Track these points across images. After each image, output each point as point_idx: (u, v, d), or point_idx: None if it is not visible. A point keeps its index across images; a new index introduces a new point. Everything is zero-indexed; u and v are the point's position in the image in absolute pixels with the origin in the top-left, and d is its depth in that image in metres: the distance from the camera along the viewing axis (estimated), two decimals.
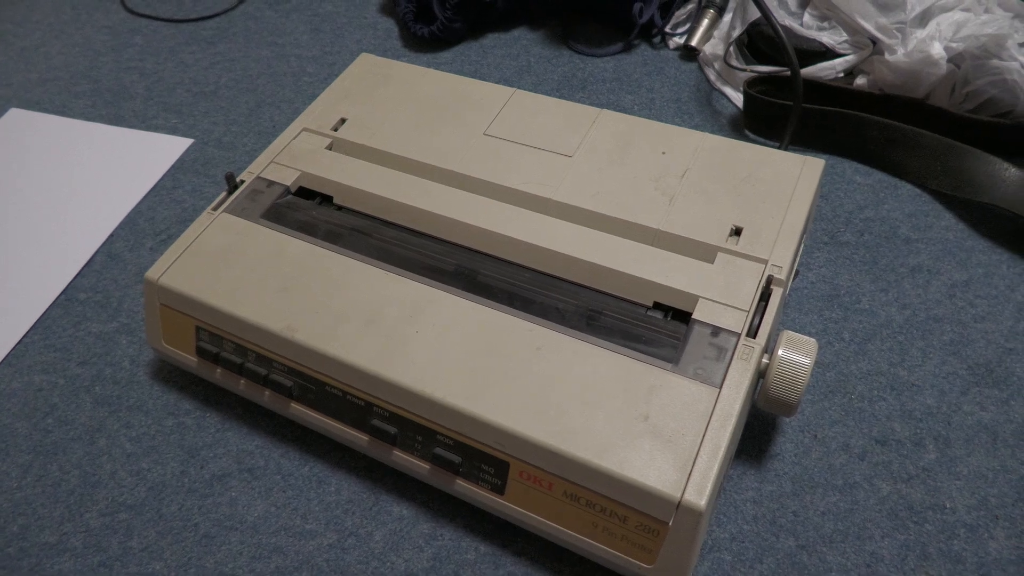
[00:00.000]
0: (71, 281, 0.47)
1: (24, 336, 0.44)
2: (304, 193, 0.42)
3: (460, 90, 0.46)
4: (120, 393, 0.41)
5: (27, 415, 0.41)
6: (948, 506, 0.34)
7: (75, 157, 0.55)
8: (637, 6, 0.57)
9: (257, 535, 0.35)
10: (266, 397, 0.37)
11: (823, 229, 0.46)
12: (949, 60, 0.46)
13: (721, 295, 0.35)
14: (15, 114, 0.59)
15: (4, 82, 0.63)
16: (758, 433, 0.37)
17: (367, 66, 0.49)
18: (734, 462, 0.36)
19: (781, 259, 0.36)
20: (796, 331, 0.41)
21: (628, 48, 0.60)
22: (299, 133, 0.45)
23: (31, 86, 0.62)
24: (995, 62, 0.45)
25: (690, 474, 0.29)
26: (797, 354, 0.33)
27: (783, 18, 0.51)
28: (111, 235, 0.50)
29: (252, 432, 0.39)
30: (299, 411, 0.36)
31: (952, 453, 0.36)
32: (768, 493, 0.35)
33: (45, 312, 0.46)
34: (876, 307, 0.42)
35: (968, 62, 0.46)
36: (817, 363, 0.40)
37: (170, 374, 0.42)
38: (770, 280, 0.35)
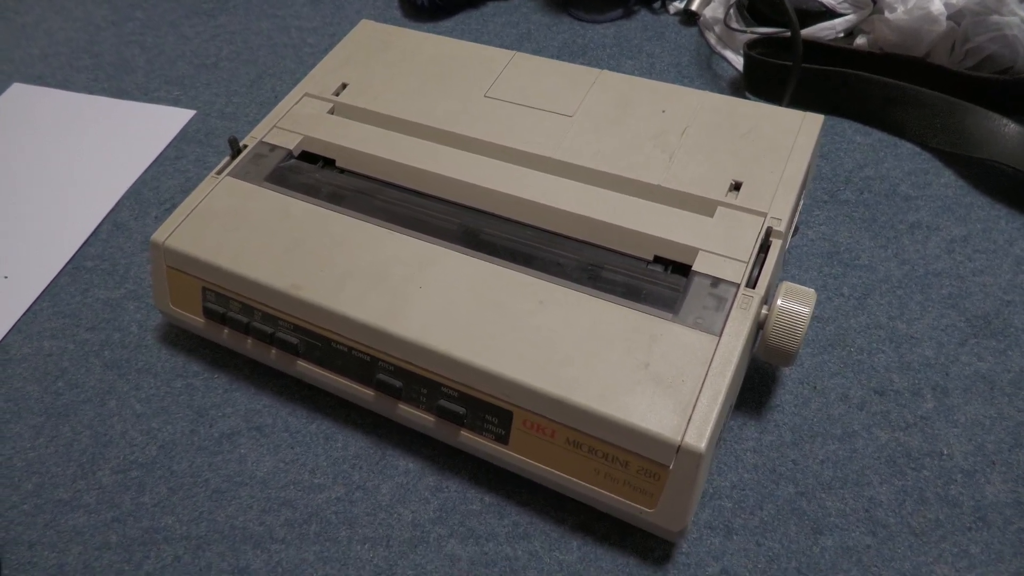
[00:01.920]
0: (78, 250, 0.48)
1: (33, 303, 0.45)
2: (307, 157, 0.43)
3: (460, 54, 0.46)
4: (129, 356, 0.42)
5: (38, 379, 0.41)
6: (945, 452, 0.35)
7: (79, 130, 0.56)
8: None
9: (267, 489, 0.36)
10: (273, 356, 0.38)
11: (823, 188, 0.46)
12: (949, 17, 0.46)
13: (721, 247, 0.35)
14: (18, 89, 0.60)
15: (6, 58, 0.63)
16: (758, 385, 0.38)
17: (367, 32, 0.49)
18: (735, 413, 0.37)
19: (780, 211, 0.36)
20: None
21: (628, 14, 0.60)
22: (301, 98, 0.45)
23: (33, 61, 0.62)
24: (995, 18, 0.45)
25: (690, 418, 0.30)
26: (796, 303, 0.33)
27: None
28: (116, 204, 0.50)
29: (260, 392, 0.40)
30: (305, 368, 0.37)
31: (950, 402, 0.37)
32: (768, 443, 0.36)
33: (53, 280, 0.46)
34: (875, 263, 0.42)
35: (968, 19, 0.46)
36: (817, 318, 0.40)
37: (178, 337, 0.43)
38: (769, 232, 0.35)
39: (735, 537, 0.33)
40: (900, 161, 0.47)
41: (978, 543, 0.32)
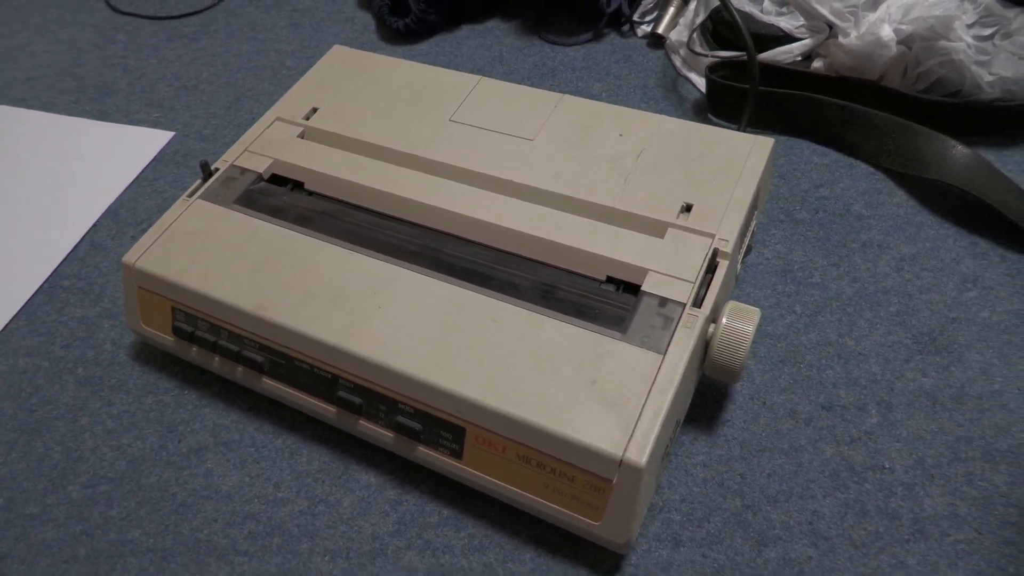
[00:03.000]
0: (55, 269, 0.49)
1: (10, 322, 0.46)
2: (276, 180, 0.44)
3: (428, 79, 0.48)
4: (102, 374, 0.43)
5: (12, 396, 0.42)
6: (887, 466, 0.36)
7: (60, 151, 0.57)
8: None
9: (231, 503, 0.37)
10: (239, 373, 0.39)
11: (779, 208, 0.48)
12: (900, 42, 0.48)
13: (669, 268, 0.36)
14: (1, 111, 0.61)
15: None
16: (710, 401, 0.39)
17: (340, 57, 0.50)
18: (686, 428, 0.38)
19: (728, 233, 0.37)
20: (749, 304, 0.43)
21: (598, 37, 0.62)
22: (272, 122, 0.46)
23: (17, 84, 0.64)
24: (943, 43, 0.46)
25: (632, 434, 0.31)
26: (740, 322, 0.35)
27: (743, 4, 0.53)
28: (94, 225, 0.52)
29: (228, 408, 0.41)
30: (270, 385, 0.38)
31: (893, 417, 0.38)
32: (717, 457, 0.37)
33: (30, 299, 0.47)
34: (827, 281, 0.44)
35: (918, 43, 0.47)
36: (769, 335, 0.42)
37: (150, 355, 0.44)
38: (716, 253, 0.37)
39: (682, 549, 0.34)
40: (855, 181, 0.49)
41: (915, 554, 0.33)
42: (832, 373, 0.40)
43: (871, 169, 0.49)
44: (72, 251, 0.50)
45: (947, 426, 0.37)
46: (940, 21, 0.46)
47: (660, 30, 0.59)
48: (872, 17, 0.47)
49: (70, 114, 0.60)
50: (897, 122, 0.47)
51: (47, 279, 0.48)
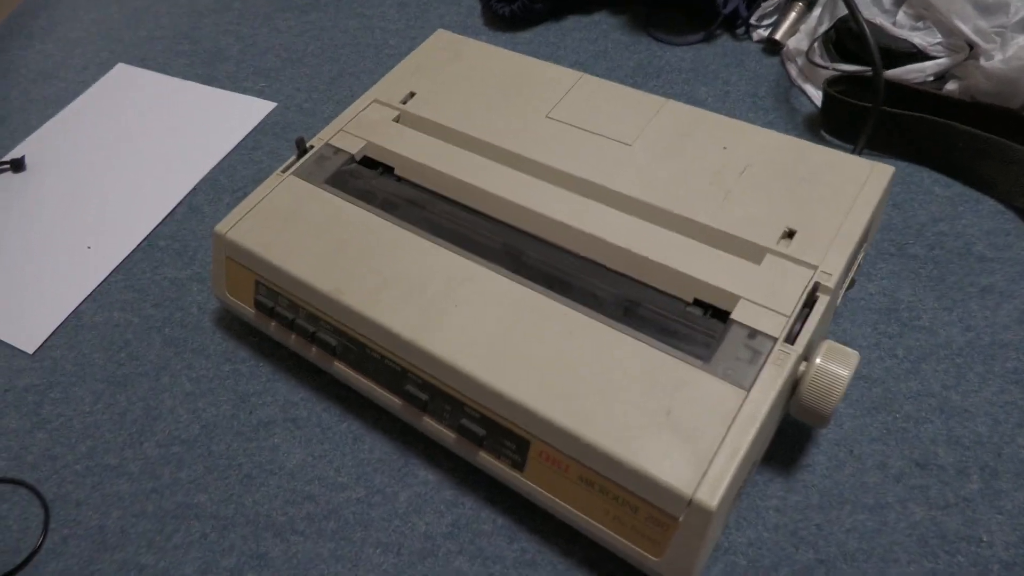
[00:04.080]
0: (154, 228, 0.51)
1: (109, 275, 0.48)
2: (368, 162, 0.44)
3: (528, 71, 0.46)
4: (186, 336, 0.44)
5: (104, 347, 0.44)
6: (985, 539, 0.33)
7: (170, 113, 0.59)
8: None
9: (293, 481, 0.38)
10: (313, 353, 0.39)
11: (890, 239, 0.44)
12: None
13: (763, 297, 0.34)
14: (121, 69, 0.64)
15: (116, 38, 0.67)
16: (791, 441, 0.37)
17: (441, 42, 0.50)
18: (762, 468, 0.36)
19: (832, 267, 0.35)
20: (846, 342, 0.40)
21: (709, 38, 0.59)
22: (369, 104, 0.46)
23: (139, 43, 0.66)
24: None
25: (705, 473, 0.29)
26: (836, 365, 0.32)
27: (875, 16, 0.49)
28: (194, 188, 0.53)
29: (299, 385, 0.41)
30: (341, 369, 0.38)
31: (998, 486, 0.34)
32: (793, 503, 0.35)
33: (128, 255, 0.49)
34: (937, 326, 0.40)
35: None
36: (864, 378, 0.39)
37: (231, 323, 0.45)
38: (816, 287, 0.34)
39: None
40: (980, 218, 0.44)
41: None
42: (931, 428, 0.36)
43: (1000, 207, 0.45)
44: (171, 213, 0.52)
45: None
46: None
47: (778, 36, 0.56)
48: (1022, 40, 0.43)
49: (183, 77, 0.62)
50: None
51: (145, 237, 0.50)
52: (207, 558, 0.35)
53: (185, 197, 0.53)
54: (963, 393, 0.37)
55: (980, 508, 0.34)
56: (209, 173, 0.54)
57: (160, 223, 0.51)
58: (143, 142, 0.57)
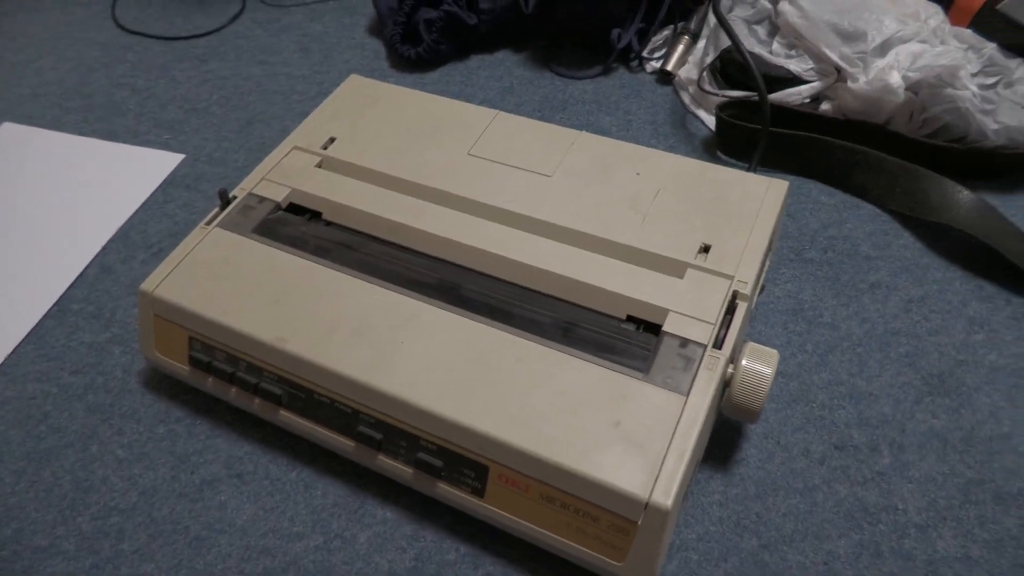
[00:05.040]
0: (64, 292, 0.48)
1: (18, 346, 0.46)
2: (294, 209, 0.44)
3: (445, 111, 0.48)
4: (112, 401, 0.43)
5: (21, 423, 0.42)
6: (900, 507, 0.37)
7: (68, 171, 0.57)
8: (615, 32, 0.60)
9: (246, 537, 0.37)
10: (256, 405, 0.39)
11: (789, 246, 0.48)
12: (907, 88, 0.49)
13: (690, 308, 0.37)
14: (8, 128, 0.61)
15: None
16: (725, 440, 0.39)
17: (355, 87, 0.51)
18: (702, 467, 0.38)
19: (746, 275, 0.38)
20: (761, 343, 0.43)
21: (607, 71, 0.62)
22: (290, 151, 0.47)
23: (24, 101, 0.63)
24: (949, 91, 0.48)
25: (657, 476, 0.31)
26: (759, 364, 0.35)
27: (753, 46, 0.54)
28: (104, 248, 0.51)
29: (241, 439, 0.41)
30: (288, 418, 0.38)
31: (905, 458, 0.38)
32: (733, 496, 0.37)
33: (39, 323, 0.47)
34: (838, 321, 0.44)
35: (925, 90, 0.49)
36: (781, 373, 0.42)
37: (161, 383, 0.43)
38: (735, 295, 0.37)
39: None
40: (862, 222, 0.50)
41: None
42: (844, 413, 0.40)
43: (878, 210, 0.50)
44: (81, 274, 0.50)
45: (958, 468, 0.38)
46: (947, 70, 0.47)
47: (669, 67, 0.60)
48: (881, 63, 0.49)
49: (78, 133, 0.60)
50: (905, 166, 0.49)
51: (56, 303, 0.48)
52: None
53: (95, 258, 0.51)
54: (867, 379, 0.42)
55: (893, 480, 0.38)
56: (119, 231, 0.52)
57: (70, 286, 0.49)
58: (42, 203, 0.54)
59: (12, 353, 0.45)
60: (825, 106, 0.52)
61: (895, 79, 0.48)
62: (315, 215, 0.44)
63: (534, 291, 0.39)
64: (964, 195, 0.46)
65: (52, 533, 0.37)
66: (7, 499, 0.39)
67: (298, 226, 0.43)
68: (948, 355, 0.42)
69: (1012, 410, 0.40)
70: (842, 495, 0.37)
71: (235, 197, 0.44)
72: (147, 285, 0.40)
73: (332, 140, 0.47)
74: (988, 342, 0.43)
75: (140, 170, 0.57)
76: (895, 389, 0.41)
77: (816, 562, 0.35)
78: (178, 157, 0.57)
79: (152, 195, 0.55)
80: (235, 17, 0.71)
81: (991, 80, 0.49)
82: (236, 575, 0.36)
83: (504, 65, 0.64)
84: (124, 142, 0.59)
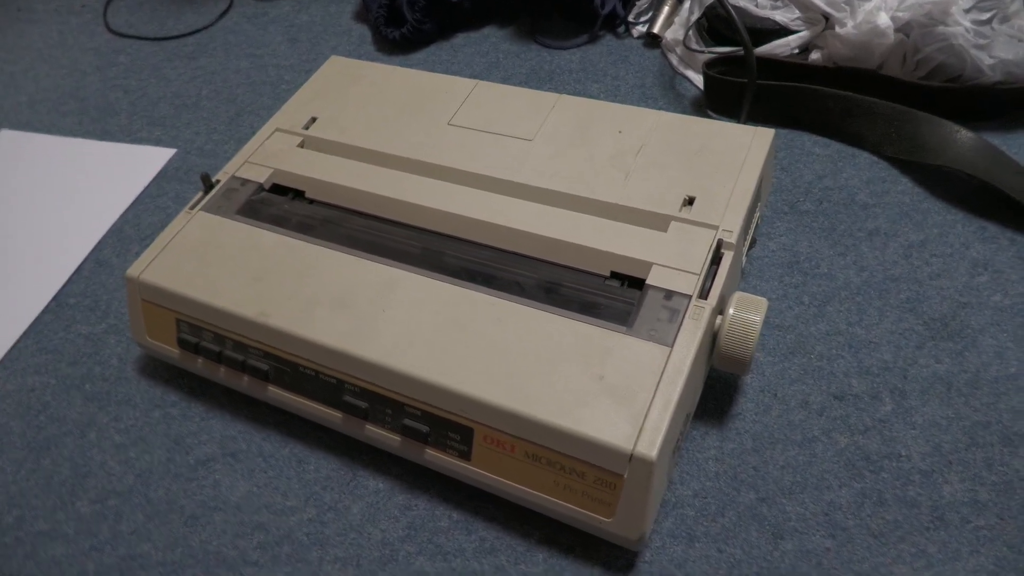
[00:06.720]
0: (62, 287, 0.49)
1: (17, 341, 0.46)
2: (278, 190, 0.44)
3: (425, 85, 0.48)
4: (109, 389, 0.43)
5: (21, 414, 0.42)
6: (904, 454, 0.35)
7: (64, 172, 0.57)
8: None
9: (240, 514, 0.37)
10: (244, 382, 0.39)
11: (783, 200, 0.47)
12: (897, 29, 0.47)
13: (674, 260, 0.36)
14: (6, 135, 0.62)
15: None
16: (720, 395, 0.39)
17: (336, 68, 0.50)
18: (697, 423, 0.38)
19: (732, 224, 0.37)
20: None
21: (593, 40, 0.62)
22: (272, 133, 0.47)
23: (21, 108, 0.64)
24: (941, 28, 0.46)
25: (642, 427, 0.30)
26: (748, 312, 0.34)
27: (738, 0, 0.53)
28: (99, 243, 0.52)
29: (234, 419, 0.41)
30: (276, 394, 0.38)
31: (908, 404, 0.37)
32: (729, 451, 0.37)
33: (37, 317, 0.47)
34: (835, 271, 0.43)
35: (916, 30, 0.47)
36: (777, 326, 0.41)
37: (156, 369, 0.44)
38: (720, 244, 0.36)
39: (697, 544, 0.34)
40: (858, 171, 0.48)
41: (936, 542, 0.33)
42: (843, 363, 0.39)
43: (874, 158, 0.49)
44: (77, 269, 0.50)
45: (963, 411, 0.37)
46: (937, 7, 0.46)
47: (656, 30, 0.59)
48: (868, 6, 0.47)
49: (73, 135, 0.61)
50: (899, 109, 0.47)
51: (53, 297, 0.48)
52: None
53: (91, 253, 0.51)
54: (866, 327, 0.40)
55: (895, 427, 0.36)
56: (113, 226, 0.53)
57: (67, 282, 0.49)
58: (39, 204, 0.55)
59: (12, 347, 0.46)
60: (815, 55, 0.51)
61: (883, 20, 0.46)
62: (298, 194, 0.44)
63: (516, 254, 0.39)
64: (962, 134, 0.45)
65: (52, 518, 0.38)
66: (8, 487, 0.39)
67: (280, 205, 0.43)
68: (951, 298, 0.41)
69: (1019, 350, 0.38)
70: (842, 445, 0.36)
71: (218, 181, 0.44)
72: (133, 271, 0.40)
73: (313, 120, 0.47)
74: (993, 283, 0.41)
75: (133, 166, 0.57)
76: (896, 336, 0.40)
77: (816, 513, 0.34)
78: (169, 152, 0.58)
79: (145, 190, 0.55)
80: (223, 13, 0.71)
81: (986, 15, 0.47)
82: (231, 550, 0.36)
83: (490, 41, 0.63)
84: (118, 141, 0.60)
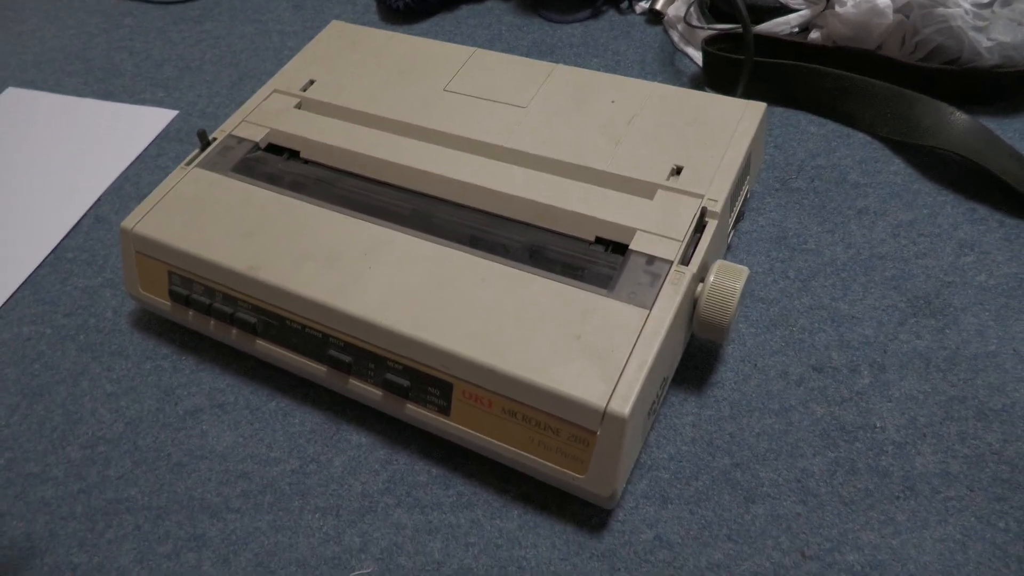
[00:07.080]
0: (60, 241, 0.50)
1: (15, 292, 0.47)
2: (273, 149, 0.45)
3: (423, 51, 0.48)
4: (103, 340, 0.44)
5: (16, 362, 0.43)
6: (879, 426, 0.36)
7: (67, 130, 0.58)
8: None
9: (225, 463, 0.38)
10: (233, 335, 0.39)
11: (775, 176, 0.47)
12: (898, 10, 0.47)
13: (658, 227, 0.36)
14: (12, 93, 0.62)
15: (1, 64, 0.66)
16: (701, 364, 0.39)
17: (337, 32, 0.51)
18: (676, 389, 0.38)
19: (717, 193, 0.37)
20: None
21: (596, 14, 0.62)
22: (270, 94, 0.47)
23: (27, 67, 0.65)
24: (940, 10, 0.46)
25: (616, 385, 0.31)
26: (728, 279, 0.35)
27: None
28: (99, 199, 0.52)
29: (224, 372, 0.41)
30: (263, 347, 0.38)
31: (886, 378, 0.37)
32: (707, 417, 0.37)
33: (35, 270, 0.48)
34: (822, 247, 0.43)
35: (915, 11, 0.47)
36: (761, 299, 0.41)
37: (149, 323, 0.44)
38: (704, 212, 0.36)
39: (670, 506, 0.34)
40: (851, 150, 0.48)
41: (905, 511, 0.33)
42: (824, 336, 0.39)
43: (868, 138, 0.49)
44: (77, 224, 0.51)
45: (940, 386, 0.37)
46: None
47: (659, 6, 0.59)
48: None
49: (78, 95, 0.61)
50: (894, 90, 0.47)
51: (52, 251, 0.49)
52: (142, 548, 0.35)
53: (90, 209, 0.52)
54: (850, 302, 0.41)
55: (872, 399, 0.37)
56: (113, 183, 0.53)
57: (66, 236, 0.50)
58: (42, 160, 0.56)
59: (10, 298, 0.47)
60: (814, 35, 0.51)
61: (883, 0, 0.46)
62: (293, 154, 0.44)
63: (504, 217, 0.39)
64: (957, 116, 0.45)
65: (43, 461, 0.39)
66: (1, 431, 0.40)
67: (275, 164, 0.43)
68: (935, 277, 0.41)
69: (1000, 328, 0.39)
70: (819, 415, 0.37)
71: (215, 139, 0.45)
72: (127, 223, 0.41)
73: (311, 82, 0.47)
74: (978, 263, 0.41)
75: (135, 127, 0.58)
76: (878, 312, 0.40)
77: (788, 479, 0.35)
78: (171, 113, 0.58)
79: (146, 149, 0.56)
80: None
81: None
82: (215, 497, 0.36)
83: (493, 13, 0.64)
84: (121, 102, 0.60)
